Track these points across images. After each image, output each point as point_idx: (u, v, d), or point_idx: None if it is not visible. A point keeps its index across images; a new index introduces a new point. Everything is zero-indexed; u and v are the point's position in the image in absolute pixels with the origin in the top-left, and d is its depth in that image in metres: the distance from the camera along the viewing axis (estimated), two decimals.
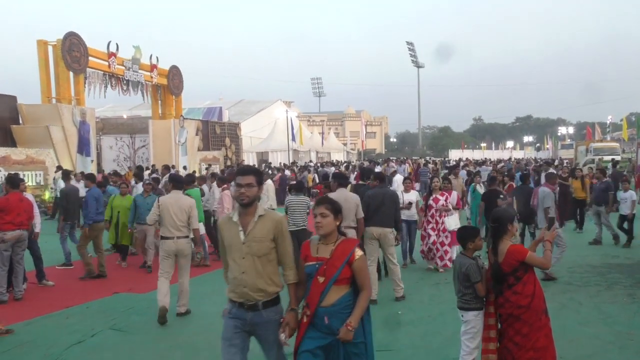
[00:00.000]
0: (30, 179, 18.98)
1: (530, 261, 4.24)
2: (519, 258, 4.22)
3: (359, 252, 3.59)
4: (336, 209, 3.67)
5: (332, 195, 7.03)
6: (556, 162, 28.77)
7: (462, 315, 4.72)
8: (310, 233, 9.70)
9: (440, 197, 9.63)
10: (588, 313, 6.91)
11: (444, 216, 9.57)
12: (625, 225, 11.57)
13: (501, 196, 10.51)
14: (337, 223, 3.68)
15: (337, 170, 26.33)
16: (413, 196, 9.97)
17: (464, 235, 4.89)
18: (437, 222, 9.55)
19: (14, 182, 8.42)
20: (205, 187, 11.63)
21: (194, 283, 8.64)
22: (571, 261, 9.76)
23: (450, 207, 9.67)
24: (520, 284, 4.22)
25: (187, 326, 6.63)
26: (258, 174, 3.71)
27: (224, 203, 10.56)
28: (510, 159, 52.16)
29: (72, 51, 21.92)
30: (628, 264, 9.79)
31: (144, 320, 6.93)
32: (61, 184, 11.90)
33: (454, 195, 10.16)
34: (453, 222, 9.50)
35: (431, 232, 9.53)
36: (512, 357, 4.24)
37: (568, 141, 61.19)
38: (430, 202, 9.69)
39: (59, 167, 19.55)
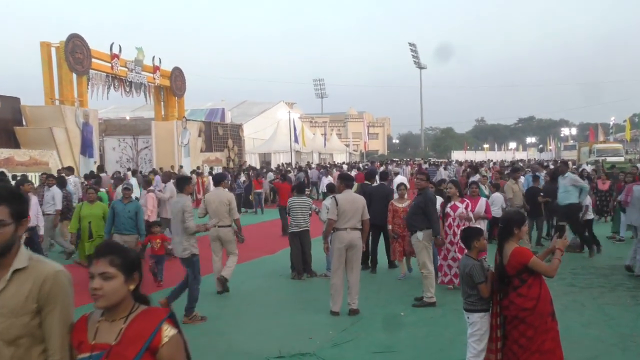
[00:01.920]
0: (33, 180, 18.99)
1: (534, 266, 4.20)
2: (523, 261, 4.21)
3: (168, 331, 2.23)
4: (129, 264, 2.31)
5: (338, 197, 7.18)
6: (546, 163, 28.85)
7: (467, 317, 4.71)
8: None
9: (459, 205, 8.22)
10: (591, 315, 6.90)
11: (463, 226, 7.87)
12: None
13: (541, 194, 11.55)
14: (130, 287, 2.32)
15: (338, 171, 26.38)
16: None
17: (469, 235, 4.90)
18: (454, 234, 8.08)
19: (16, 183, 8.67)
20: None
21: None
22: (574, 263, 9.75)
23: (471, 215, 8.24)
24: (525, 287, 4.21)
25: (189, 329, 6.63)
26: (13, 201, 2.29)
27: (147, 205, 10.85)
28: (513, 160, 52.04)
29: (75, 53, 21.97)
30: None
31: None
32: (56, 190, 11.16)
33: (482, 202, 8.84)
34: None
35: (449, 246, 8.16)
36: (516, 359, 4.24)
37: (571, 142, 61.15)
38: (448, 209, 8.25)
39: (65, 169, 19.59)
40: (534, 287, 4.21)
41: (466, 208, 8.20)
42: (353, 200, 7.15)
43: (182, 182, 7.56)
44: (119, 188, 12.63)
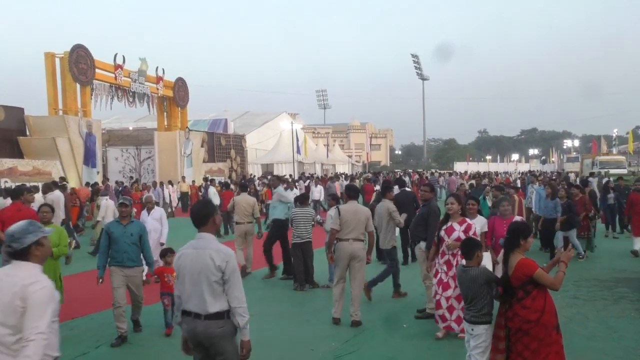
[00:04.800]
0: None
1: (539, 278, 4.18)
2: (528, 273, 4.19)
3: None
4: None
5: (341, 207, 7.28)
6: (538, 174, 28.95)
7: (472, 329, 4.68)
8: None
9: (456, 227, 6.49)
10: (595, 328, 6.85)
11: (458, 255, 6.27)
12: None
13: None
14: None
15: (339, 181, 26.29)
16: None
17: (472, 244, 4.87)
18: (448, 265, 6.48)
19: (14, 193, 8.67)
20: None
21: None
22: (578, 275, 9.69)
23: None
24: (529, 299, 4.19)
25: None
26: None
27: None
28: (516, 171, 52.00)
29: (79, 63, 22.10)
30: (635, 278, 9.71)
31: (148, 332, 6.91)
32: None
33: (481, 221, 7.27)
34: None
35: (438, 280, 6.60)
36: None
37: (574, 154, 61.13)
38: (442, 233, 6.57)
39: (62, 179, 19.64)
40: (539, 299, 4.19)
41: (466, 232, 6.39)
42: (355, 211, 7.16)
43: (386, 189, 9.29)
44: (104, 203, 12.22)
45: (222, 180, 25.06)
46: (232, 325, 3.81)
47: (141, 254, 6.80)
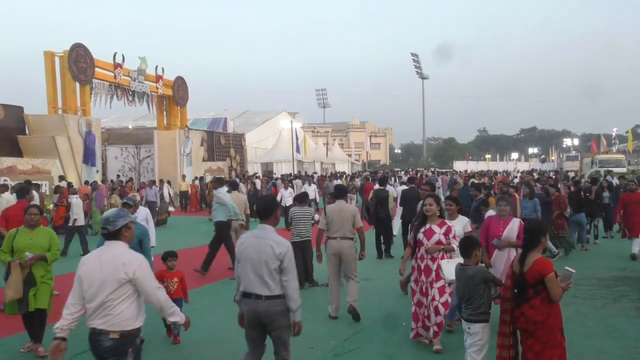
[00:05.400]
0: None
1: (549, 281, 4.17)
2: (543, 272, 4.18)
3: None
4: None
5: (327, 207, 7.54)
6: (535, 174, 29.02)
7: (468, 328, 4.69)
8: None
9: (436, 229, 6.06)
10: (594, 326, 6.86)
11: (439, 259, 5.97)
12: None
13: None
14: None
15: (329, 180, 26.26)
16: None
17: (470, 243, 4.86)
18: (427, 270, 6.02)
19: (19, 192, 8.61)
20: None
21: (197, 294, 8.65)
22: (576, 273, 9.67)
23: (455, 246, 5.94)
24: (538, 299, 4.19)
25: (191, 337, 6.61)
26: None
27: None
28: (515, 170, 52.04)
29: (79, 62, 22.09)
30: (634, 276, 9.72)
31: (148, 331, 6.89)
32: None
33: (462, 221, 6.74)
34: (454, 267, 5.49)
35: (414, 286, 6.21)
36: None
37: (573, 153, 61.13)
38: (420, 236, 6.11)
39: (61, 177, 19.63)
40: (547, 300, 4.20)
41: (446, 234, 6.01)
42: (341, 209, 7.36)
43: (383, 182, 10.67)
44: (74, 201, 12.53)
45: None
46: (286, 305, 4.38)
47: None
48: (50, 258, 6.21)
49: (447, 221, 6.25)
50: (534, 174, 31.20)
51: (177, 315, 4.02)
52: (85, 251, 12.24)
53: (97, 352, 3.83)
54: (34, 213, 6.31)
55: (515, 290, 4.40)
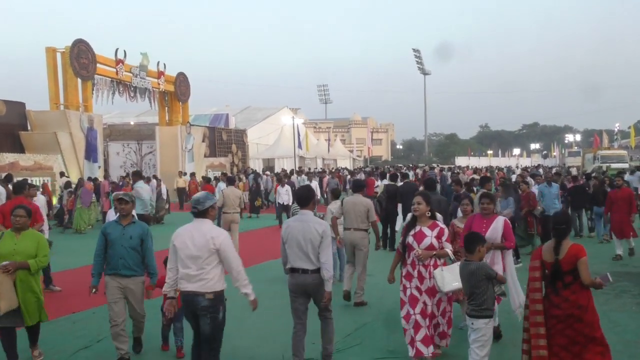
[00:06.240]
0: (38, 184, 19.08)
1: (582, 264, 4.33)
2: (578, 255, 4.35)
3: None
4: None
5: (345, 199, 8.15)
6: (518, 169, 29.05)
7: (472, 323, 4.68)
8: None
9: (427, 232, 5.45)
10: None
11: (431, 266, 5.40)
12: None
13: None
14: None
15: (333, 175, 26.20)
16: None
17: (475, 239, 4.85)
18: (420, 277, 5.40)
19: (16, 188, 8.61)
20: None
21: None
22: None
23: (449, 250, 5.51)
24: (577, 284, 4.35)
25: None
26: None
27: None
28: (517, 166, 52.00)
29: (81, 58, 22.09)
30: (636, 272, 9.72)
31: (149, 326, 6.92)
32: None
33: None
34: (451, 276, 5.19)
35: (403, 296, 5.56)
36: (573, 357, 4.34)
37: (575, 149, 61.01)
38: (410, 240, 5.50)
39: (62, 174, 19.67)
40: (584, 285, 4.36)
41: (439, 237, 5.45)
42: (355, 203, 7.87)
43: (485, 181, 10.31)
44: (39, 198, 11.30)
45: (203, 175, 24.87)
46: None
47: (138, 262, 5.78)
48: (34, 266, 5.49)
49: (438, 222, 5.57)
50: (540, 169, 31.07)
51: (249, 288, 4.69)
52: None
53: (194, 311, 4.62)
54: (19, 215, 5.62)
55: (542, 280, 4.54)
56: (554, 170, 25.20)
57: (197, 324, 4.66)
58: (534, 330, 4.49)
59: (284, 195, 17.47)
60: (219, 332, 4.69)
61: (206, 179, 21.35)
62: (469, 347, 4.81)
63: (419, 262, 5.41)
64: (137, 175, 11.88)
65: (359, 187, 8.40)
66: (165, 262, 5.76)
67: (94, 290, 5.65)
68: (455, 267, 5.12)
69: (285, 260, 5.29)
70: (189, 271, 4.55)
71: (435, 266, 5.40)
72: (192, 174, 25.51)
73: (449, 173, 28.88)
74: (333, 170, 33.42)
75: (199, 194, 4.88)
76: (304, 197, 5.40)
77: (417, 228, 5.49)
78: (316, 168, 39.41)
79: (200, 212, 4.68)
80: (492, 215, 6.03)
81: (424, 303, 5.38)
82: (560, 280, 4.39)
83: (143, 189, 10.93)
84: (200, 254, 4.53)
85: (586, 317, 4.33)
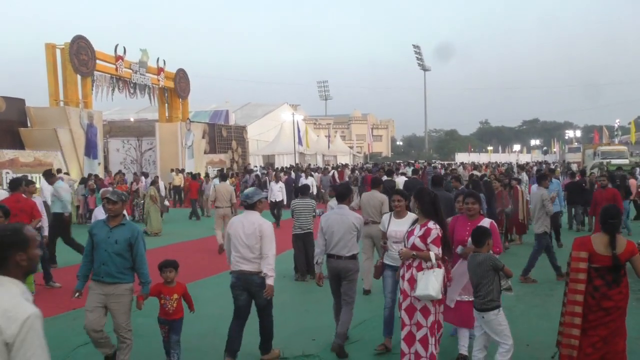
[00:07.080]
0: (38, 181, 19.06)
1: (636, 260, 4.52)
2: (634, 251, 4.53)
3: None
4: None
5: (364, 194, 8.69)
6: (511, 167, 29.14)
7: (483, 317, 4.69)
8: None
9: (416, 230, 5.04)
10: None
11: (413, 267, 4.95)
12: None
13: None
14: None
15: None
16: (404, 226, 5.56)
17: (483, 232, 4.87)
18: (412, 281, 4.92)
19: (12, 184, 8.58)
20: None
21: (198, 286, 8.67)
22: None
23: (432, 254, 4.83)
24: (626, 277, 4.59)
25: (192, 329, 6.63)
26: None
27: None
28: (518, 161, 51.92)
29: (80, 54, 22.05)
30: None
31: (149, 323, 6.92)
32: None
33: (410, 219, 5.56)
34: (429, 283, 4.73)
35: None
36: (608, 347, 4.54)
37: (575, 145, 60.96)
38: (405, 235, 5.21)
39: (59, 171, 19.62)
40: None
41: (423, 238, 4.91)
42: (371, 197, 8.35)
43: (541, 178, 9.99)
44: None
45: (192, 172, 24.73)
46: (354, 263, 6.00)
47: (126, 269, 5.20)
48: None
49: (430, 223, 4.98)
50: (543, 165, 31.06)
51: (272, 274, 5.45)
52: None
53: (249, 288, 5.49)
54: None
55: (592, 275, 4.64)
56: (543, 167, 25.21)
57: (246, 298, 5.57)
58: (569, 319, 4.59)
59: (277, 192, 16.65)
60: (269, 302, 5.63)
61: (193, 176, 22.23)
62: (474, 348, 4.82)
63: (412, 262, 4.96)
64: (50, 175, 11.42)
65: (377, 183, 8.87)
66: (159, 268, 5.50)
67: (77, 294, 5.26)
68: (431, 274, 4.73)
69: (322, 249, 6.02)
70: (244, 254, 5.41)
71: (419, 269, 4.87)
72: (182, 170, 25.52)
73: (432, 168, 29.18)
74: (337, 167, 33.33)
75: (249, 189, 5.67)
76: (342, 194, 6.24)
77: (415, 225, 5.11)
78: (327, 166, 39.38)
79: (249, 205, 5.52)
80: (477, 216, 5.63)
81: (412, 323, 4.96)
82: (618, 273, 4.55)
83: (62, 189, 10.77)
84: (250, 240, 5.37)
85: (625, 306, 4.60)
